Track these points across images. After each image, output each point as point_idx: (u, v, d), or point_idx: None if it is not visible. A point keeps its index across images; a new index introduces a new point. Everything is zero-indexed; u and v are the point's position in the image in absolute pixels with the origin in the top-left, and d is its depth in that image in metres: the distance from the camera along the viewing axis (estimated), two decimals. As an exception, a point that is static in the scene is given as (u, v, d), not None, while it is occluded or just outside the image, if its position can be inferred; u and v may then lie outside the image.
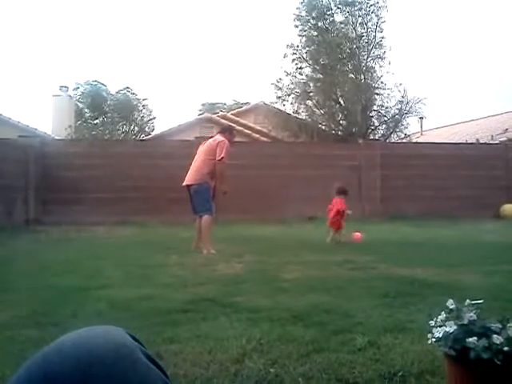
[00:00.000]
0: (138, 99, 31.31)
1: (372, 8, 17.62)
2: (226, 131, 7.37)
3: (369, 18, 17.71)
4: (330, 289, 4.10)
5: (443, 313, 2.05)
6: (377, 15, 17.64)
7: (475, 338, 1.86)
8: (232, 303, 3.59)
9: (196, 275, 4.95)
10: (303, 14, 17.95)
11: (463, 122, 25.09)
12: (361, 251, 6.44)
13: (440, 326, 2.01)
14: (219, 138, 7.07)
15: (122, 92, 30.74)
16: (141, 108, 31.62)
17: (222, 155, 6.81)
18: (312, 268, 5.25)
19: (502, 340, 1.83)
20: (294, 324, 3.03)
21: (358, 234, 7.84)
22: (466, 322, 1.95)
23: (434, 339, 2.00)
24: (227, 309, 3.40)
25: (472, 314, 1.98)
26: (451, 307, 2.04)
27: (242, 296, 3.86)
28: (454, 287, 4.01)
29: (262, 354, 2.48)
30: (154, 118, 32.44)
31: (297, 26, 18.03)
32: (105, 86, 30.24)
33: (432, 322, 2.06)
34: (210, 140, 7.17)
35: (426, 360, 2.34)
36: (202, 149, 7.16)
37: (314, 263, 5.56)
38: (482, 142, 17.62)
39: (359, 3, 17.65)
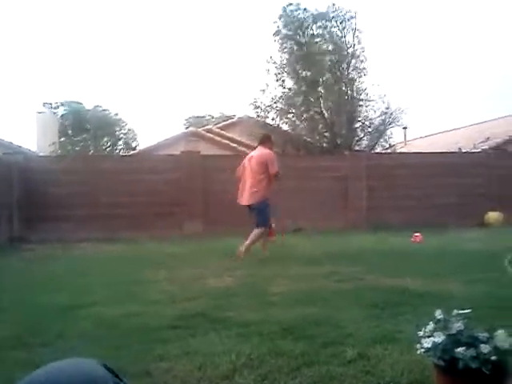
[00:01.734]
0: (110, 115, 31.40)
1: (345, 19, 17.77)
2: (266, 141, 7.58)
3: (345, 30, 17.88)
4: (318, 301, 4.11)
5: (431, 323, 2.07)
6: (351, 27, 17.80)
7: (463, 347, 1.88)
8: (222, 318, 3.58)
9: (185, 290, 4.92)
10: (281, 28, 18.04)
11: (446, 132, 25.41)
12: (347, 262, 6.46)
13: (428, 337, 2.03)
14: (263, 150, 7.27)
15: (98, 109, 30.83)
16: (118, 124, 31.74)
17: (276, 169, 7.15)
18: (300, 281, 5.25)
19: (489, 349, 1.85)
20: (283, 338, 3.03)
21: (418, 235, 8.57)
22: (454, 332, 1.98)
23: (422, 350, 2.02)
24: (217, 324, 3.39)
25: (460, 323, 2.00)
26: (439, 317, 2.06)
27: (231, 310, 3.85)
28: (440, 297, 4.04)
29: (253, 369, 2.48)
30: (129, 130, 32.61)
31: (275, 41, 18.13)
32: (81, 104, 30.36)
33: (421, 333, 2.08)
34: (256, 154, 7.32)
35: (416, 370, 2.35)
36: (250, 165, 7.27)
37: (301, 276, 5.56)
38: (464, 150, 17.81)
39: (334, 16, 17.81)
